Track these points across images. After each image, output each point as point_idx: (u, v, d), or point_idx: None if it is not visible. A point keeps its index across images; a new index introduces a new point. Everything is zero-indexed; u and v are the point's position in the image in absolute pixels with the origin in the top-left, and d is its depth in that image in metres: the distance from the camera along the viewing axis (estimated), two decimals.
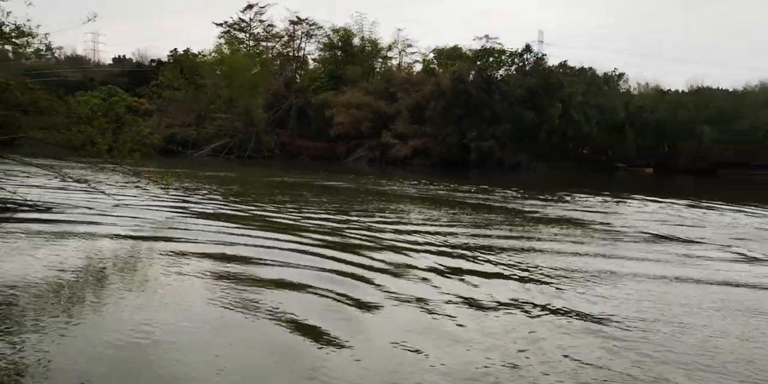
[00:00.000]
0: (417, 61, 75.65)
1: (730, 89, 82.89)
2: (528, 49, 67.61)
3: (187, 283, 7.46)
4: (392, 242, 11.27)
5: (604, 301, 7.40)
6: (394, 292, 7.40)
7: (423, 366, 5.03)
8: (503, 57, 67.63)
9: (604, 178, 54.09)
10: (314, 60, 76.36)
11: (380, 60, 74.85)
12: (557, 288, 8.01)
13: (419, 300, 7.10)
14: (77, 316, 5.88)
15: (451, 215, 16.74)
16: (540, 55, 67.60)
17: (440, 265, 9.29)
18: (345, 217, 14.87)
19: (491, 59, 67.71)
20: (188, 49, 67.60)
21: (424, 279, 8.27)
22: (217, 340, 5.45)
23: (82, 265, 8.18)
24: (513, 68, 67.78)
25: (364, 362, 5.09)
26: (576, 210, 19.94)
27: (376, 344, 5.58)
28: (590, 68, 72.68)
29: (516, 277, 8.65)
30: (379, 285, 7.77)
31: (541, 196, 24.92)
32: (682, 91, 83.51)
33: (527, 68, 66.95)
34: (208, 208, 15.71)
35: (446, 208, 18.78)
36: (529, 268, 9.30)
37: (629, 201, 24.56)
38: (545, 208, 19.98)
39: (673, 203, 23.46)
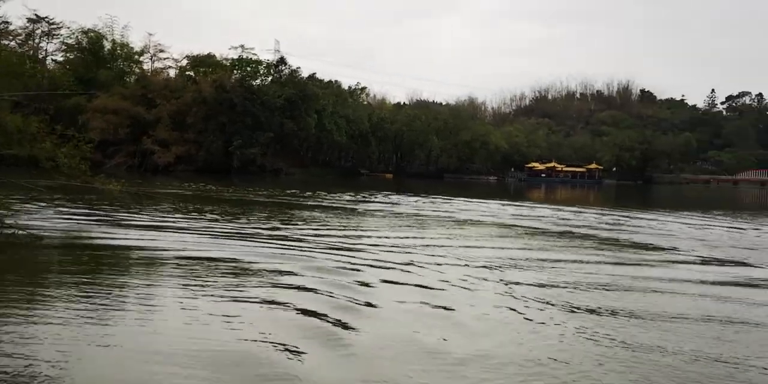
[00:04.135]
0: (170, 67, 74.80)
1: (444, 103, 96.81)
2: (282, 61, 71.85)
3: None
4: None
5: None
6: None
7: None
8: (260, 67, 70.83)
9: (361, 181, 60.51)
10: (56, 61, 71.02)
11: (132, 64, 72.44)
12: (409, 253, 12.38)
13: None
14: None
15: (342, 217, 19.95)
16: (295, 68, 72.16)
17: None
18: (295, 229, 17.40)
19: (249, 69, 70.46)
20: None
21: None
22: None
23: None
24: (269, 79, 71.29)
25: None
26: (415, 206, 24.90)
27: None
28: (336, 81, 79.58)
29: (404, 251, 12.78)
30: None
31: (373, 199, 29.35)
32: (404, 104, 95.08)
33: (283, 79, 70.96)
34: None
35: (315, 210, 21.82)
36: (390, 243, 13.76)
37: (431, 199, 30.25)
38: (394, 207, 24.86)
39: (485, 202, 29.80)
